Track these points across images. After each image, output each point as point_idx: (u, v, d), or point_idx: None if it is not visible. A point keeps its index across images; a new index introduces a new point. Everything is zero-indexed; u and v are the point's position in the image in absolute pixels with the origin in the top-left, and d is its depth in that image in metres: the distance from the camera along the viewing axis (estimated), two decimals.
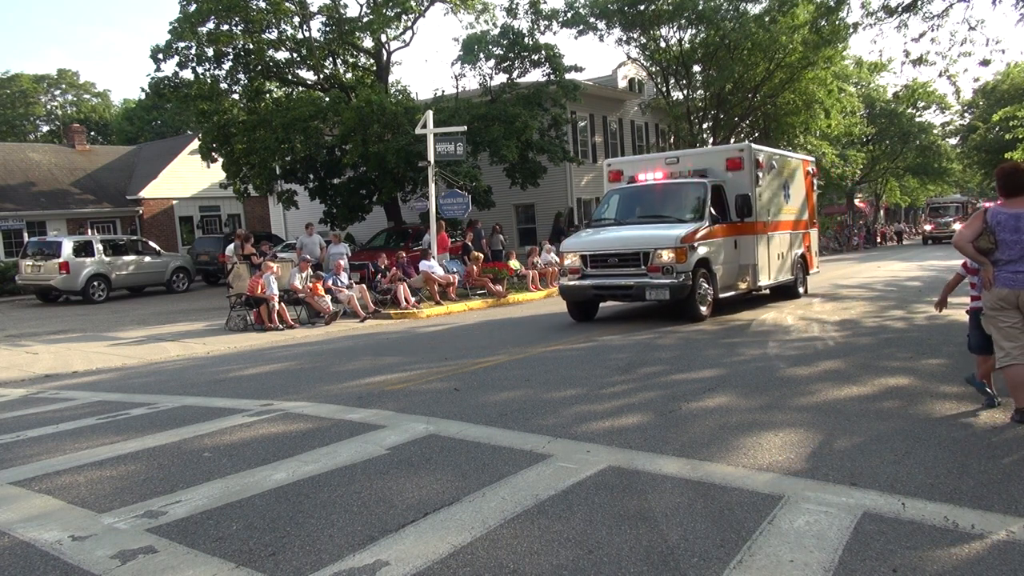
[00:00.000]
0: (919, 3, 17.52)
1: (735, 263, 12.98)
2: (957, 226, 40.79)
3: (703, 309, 11.85)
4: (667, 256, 11.43)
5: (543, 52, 25.24)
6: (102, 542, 3.85)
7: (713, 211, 12.35)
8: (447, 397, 7.06)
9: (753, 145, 13.67)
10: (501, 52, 25.34)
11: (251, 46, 24.25)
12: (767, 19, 28.55)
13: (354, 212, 25.66)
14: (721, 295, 12.45)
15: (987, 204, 6.21)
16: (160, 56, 24.17)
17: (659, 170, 13.55)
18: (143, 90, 28.02)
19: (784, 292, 14.96)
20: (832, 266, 27.14)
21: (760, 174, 13.38)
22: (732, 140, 31.13)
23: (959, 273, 6.11)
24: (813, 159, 17.70)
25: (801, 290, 15.27)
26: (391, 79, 26.98)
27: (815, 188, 16.63)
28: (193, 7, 23.45)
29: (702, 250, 11.82)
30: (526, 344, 10.47)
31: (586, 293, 12.33)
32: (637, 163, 14.62)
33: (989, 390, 5.81)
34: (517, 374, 8.14)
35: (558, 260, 16.61)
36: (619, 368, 8.22)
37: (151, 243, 25.59)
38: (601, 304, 13.39)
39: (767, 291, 14.63)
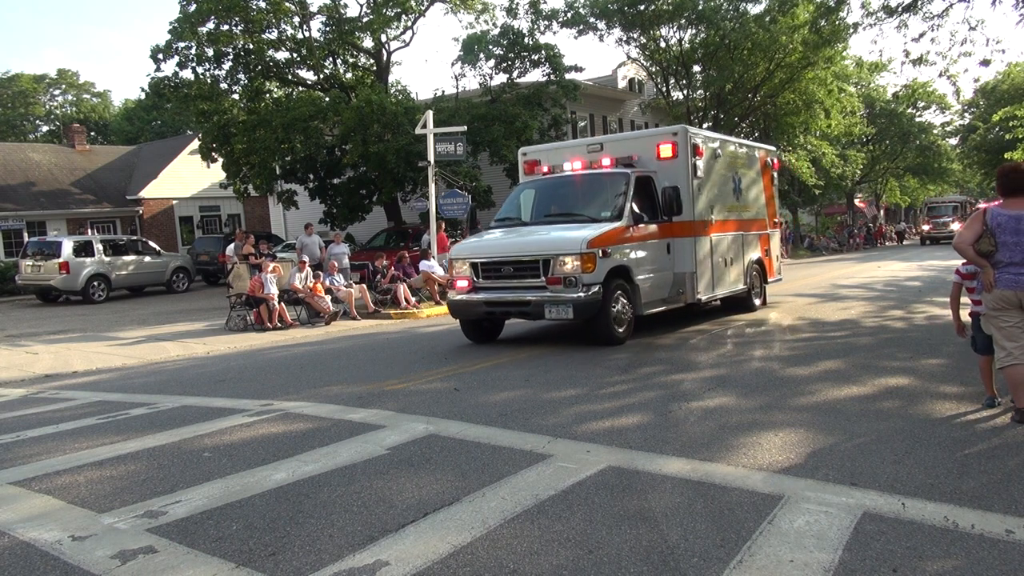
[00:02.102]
0: (919, 3, 17.49)
1: (668, 271, 10.92)
2: (956, 226, 40.80)
3: (620, 330, 9.79)
4: (571, 264, 9.41)
5: (543, 52, 25.28)
6: (102, 542, 3.85)
7: (636, 208, 10.33)
8: (447, 397, 7.06)
9: (690, 128, 11.56)
10: (501, 52, 25.38)
11: (251, 46, 24.28)
12: (767, 19, 28.55)
13: (354, 212, 25.69)
14: (647, 311, 10.42)
15: (984, 205, 6.17)
16: (160, 56, 24.22)
17: (578, 159, 11.48)
18: (143, 90, 28.07)
19: (736, 304, 12.96)
20: (832, 266, 27.19)
21: (699, 163, 11.25)
22: None
23: (956, 282, 6.05)
24: (774, 149, 15.54)
25: (757, 301, 13.26)
26: (391, 79, 27.03)
27: (775, 182, 14.72)
28: (193, 7, 23.49)
29: (619, 256, 9.87)
30: (526, 344, 10.47)
31: (476, 310, 10.24)
32: (555, 152, 12.41)
33: (998, 399, 5.77)
34: (517, 374, 8.14)
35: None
36: (619, 368, 8.23)
37: (151, 243, 25.60)
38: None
39: (717, 303, 12.72)
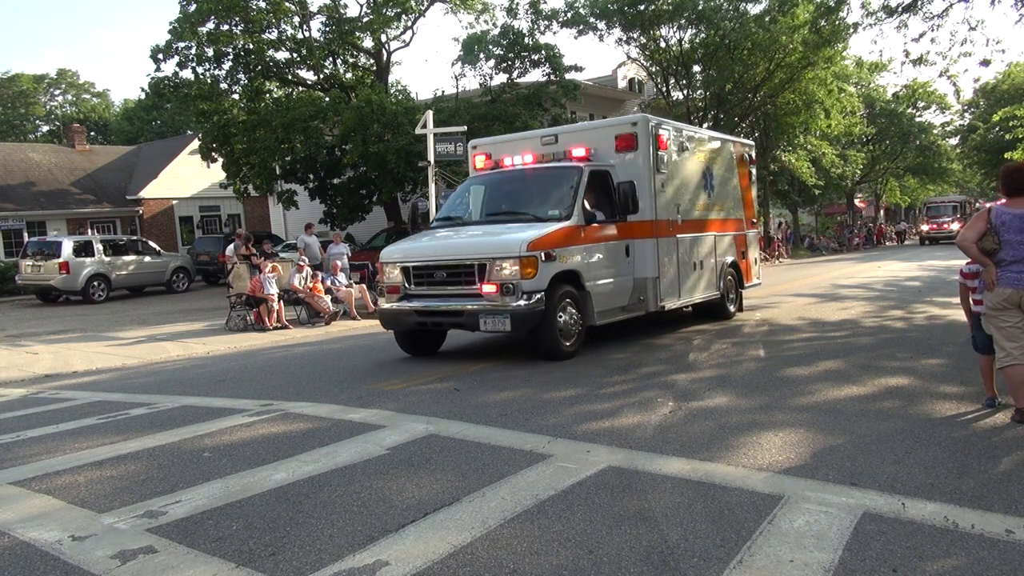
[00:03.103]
0: (919, 3, 17.50)
1: (627, 276, 9.94)
2: (955, 226, 40.78)
3: (567, 344, 8.83)
4: (508, 269, 8.42)
5: (543, 52, 25.27)
6: (102, 542, 3.85)
7: (589, 206, 9.39)
8: (447, 397, 7.06)
9: (653, 118, 10.53)
10: (501, 52, 25.37)
11: (251, 46, 24.29)
12: (767, 19, 28.54)
13: (354, 212, 25.69)
14: (601, 321, 9.41)
15: (985, 204, 6.16)
16: (160, 56, 24.24)
17: (530, 153, 10.45)
18: (143, 90, 28.09)
19: (708, 312, 12.06)
20: (832, 266, 27.22)
21: (663, 156, 10.29)
22: None
23: (961, 283, 6.05)
24: (751, 143, 14.62)
25: (732, 308, 12.28)
26: (391, 79, 27.04)
27: (753, 178, 13.74)
28: (193, 7, 23.50)
29: (566, 260, 8.87)
30: (525, 344, 10.45)
31: (407, 320, 9.24)
32: (506, 145, 11.25)
33: (998, 399, 5.76)
34: (517, 374, 8.14)
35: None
36: (619, 368, 8.22)
37: (151, 243, 25.61)
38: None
39: (688, 310, 11.98)
